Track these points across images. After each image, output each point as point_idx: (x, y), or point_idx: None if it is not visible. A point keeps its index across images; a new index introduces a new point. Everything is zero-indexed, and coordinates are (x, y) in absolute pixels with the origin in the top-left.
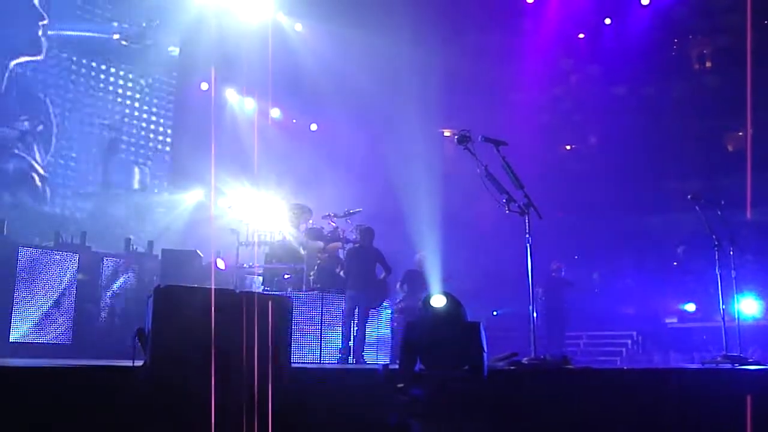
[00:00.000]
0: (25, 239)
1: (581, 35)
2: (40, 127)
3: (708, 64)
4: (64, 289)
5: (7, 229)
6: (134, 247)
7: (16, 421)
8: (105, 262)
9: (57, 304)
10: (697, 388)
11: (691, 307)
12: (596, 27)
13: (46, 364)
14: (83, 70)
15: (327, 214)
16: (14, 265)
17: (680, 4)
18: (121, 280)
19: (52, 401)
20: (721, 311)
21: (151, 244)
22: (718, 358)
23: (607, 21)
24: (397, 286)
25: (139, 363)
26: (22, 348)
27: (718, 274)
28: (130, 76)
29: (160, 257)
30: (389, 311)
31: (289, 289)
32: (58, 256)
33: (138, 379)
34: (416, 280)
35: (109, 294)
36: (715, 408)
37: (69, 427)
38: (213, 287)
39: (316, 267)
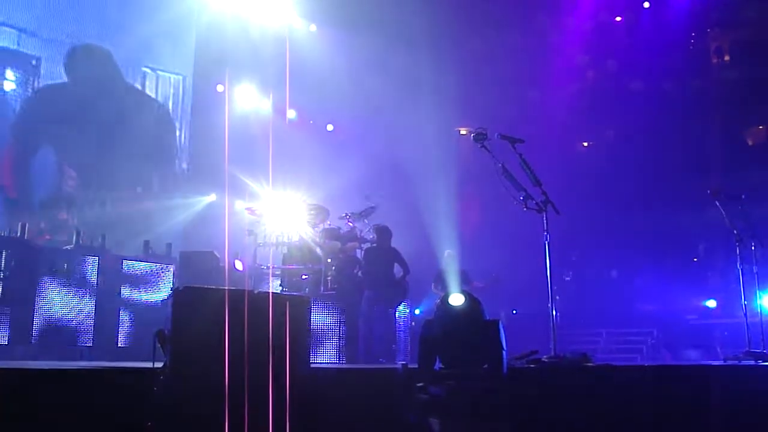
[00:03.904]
0: (46, 242)
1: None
2: None
3: (726, 58)
4: (85, 291)
5: (28, 233)
6: (152, 250)
7: (39, 423)
8: (124, 264)
9: (77, 306)
10: (719, 384)
11: (712, 303)
12: (612, 21)
13: (67, 366)
14: None
15: (344, 214)
16: (36, 268)
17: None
18: (141, 282)
19: (73, 403)
20: (743, 307)
21: (169, 246)
22: (741, 355)
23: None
24: (432, 287)
25: (159, 364)
26: (44, 350)
27: (739, 269)
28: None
29: (178, 259)
30: (408, 311)
31: (306, 290)
32: (78, 259)
33: (158, 381)
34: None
35: (128, 296)
36: (737, 404)
37: (90, 428)
38: (228, 288)
39: (333, 267)
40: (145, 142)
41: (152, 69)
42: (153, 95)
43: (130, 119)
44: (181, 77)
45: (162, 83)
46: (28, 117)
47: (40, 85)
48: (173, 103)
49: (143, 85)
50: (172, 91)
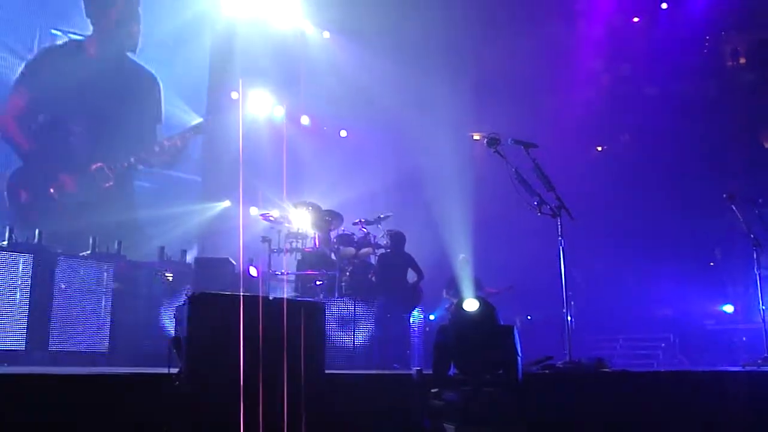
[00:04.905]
0: (61, 248)
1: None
2: None
3: (742, 61)
4: (101, 297)
5: (44, 239)
6: (168, 256)
7: (55, 428)
8: (140, 270)
9: (94, 312)
10: (737, 390)
11: (729, 308)
12: (627, 24)
13: (83, 371)
14: None
15: (358, 220)
16: (52, 275)
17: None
18: (157, 288)
19: (89, 408)
20: (762, 312)
21: (184, 252)
22: (759, 361)
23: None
24: (444, 293)
25: (174, 370)
26: (61, 356)
27: (757, 274)
28: None
29: (193, 265)
30: (422, 316)
31: (321, 296)
32: (94, 265)
33: (174, 386)
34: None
35: (144, 302)
36: (756, 411)
37: None
38: (242, 294)
39: (347, 273)
40: (143, 113)
41: (63, 32)
42: None
43: (135, 95)
44: None
45: None
46: (35, 75)
47: (47, 45)
48: None
49: None
50: None
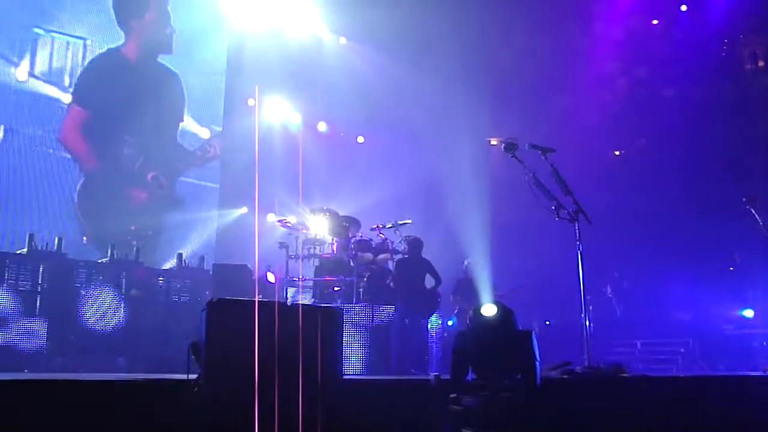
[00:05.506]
0: (81, 256)
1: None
2: None
3: (761, 64)
4: (119, 304)
5: (64, 248)
6: (186, 262)
7: None
8: (158, 277)
9: (112, 319)
10: (757, 395)
11: (749, 312)
12: (645, 27)
13: (102, 377)
14: None
15: (375, 225)
16: (71, 281)
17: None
18: (174, 294)
19: (109, 414)
20: None
21: (202, 258)
22: None
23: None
24: (450, 297)
25: (193, 376)
26: (80, 362)
27: None
28: None
29: (211, 272)
30: (440, 321)
31: (339, 302)
32: (112, 272)
33: (193, 392)
34: (468, 288)
35: (162, 308)
36: None
37: None
38: (260, 300)
39: (365, 279)
40: (173, 114)
41: (46, 30)
42: (47, 60)
43: (166, 97)
44: (81, 41)
45: (58, 48)
46: (86, 91)
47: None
48: (71, 68)
49: (35, 50)
50: (70, 56)
